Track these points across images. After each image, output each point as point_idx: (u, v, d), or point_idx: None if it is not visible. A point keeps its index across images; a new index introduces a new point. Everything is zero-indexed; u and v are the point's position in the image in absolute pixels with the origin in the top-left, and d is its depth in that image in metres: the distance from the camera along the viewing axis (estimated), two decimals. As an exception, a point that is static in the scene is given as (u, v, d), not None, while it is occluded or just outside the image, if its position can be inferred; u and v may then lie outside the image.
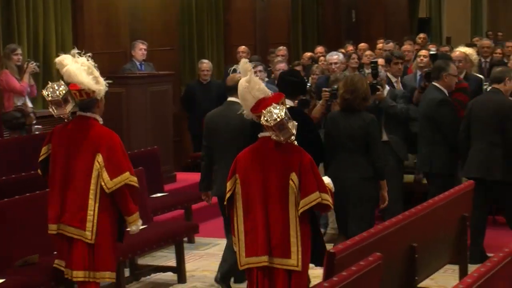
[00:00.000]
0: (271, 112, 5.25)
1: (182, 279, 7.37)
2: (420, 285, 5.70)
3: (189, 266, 7.63)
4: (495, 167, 7.59)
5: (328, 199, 5.35)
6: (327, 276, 4.37)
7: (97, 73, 5.95)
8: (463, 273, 6.28)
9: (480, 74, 10.69)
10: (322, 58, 11.83)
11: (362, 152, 6.89)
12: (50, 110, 6.00)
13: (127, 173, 5.77)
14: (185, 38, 13.71)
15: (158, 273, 7.54)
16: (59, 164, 5.87)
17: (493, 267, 4.15)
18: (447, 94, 8.10)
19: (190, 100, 11.88)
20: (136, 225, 5.89)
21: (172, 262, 7.60)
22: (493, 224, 8.68)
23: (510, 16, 26.44)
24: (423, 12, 22.18)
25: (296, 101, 6.87)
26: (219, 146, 6.86)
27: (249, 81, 5.50)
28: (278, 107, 5.27)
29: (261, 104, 5.39)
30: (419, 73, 10.30)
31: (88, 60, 5.94)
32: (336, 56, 10.38)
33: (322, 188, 5.34)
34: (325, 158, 7.01)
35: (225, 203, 5.61)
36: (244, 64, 5.65)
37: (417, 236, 5.49)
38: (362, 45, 13.63)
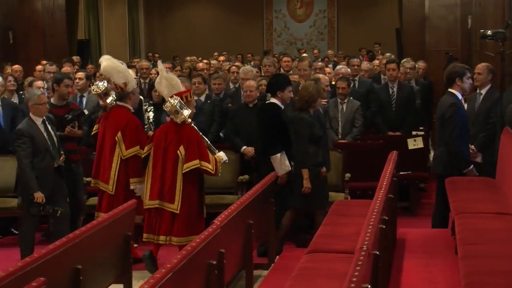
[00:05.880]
0: (169, 101, 7.52)
1: None
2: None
3: None
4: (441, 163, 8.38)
5: (207, 166, 7.50)
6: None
7: (128, 72, 8.21)
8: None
9: (141, 94, 10.93)
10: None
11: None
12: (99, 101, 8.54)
13: (137, 147, 8.00)
14: None
15: None
16: (99, 138, 8.22)
17: (156, 283, 4.28)
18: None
19: None
20: (134, 186, 8.01)
21: None
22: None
23: (166, 39, 27.44)
24: (82, 34, 22.23)
25: (277, 97, 8.59)
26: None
27: (166, 77, 7.72)
28: (174, 98, 7.52)
29: (174, 96, 7.58)
30: (79, 94, 10.35)
31: (121, 63, 8.15)
32: None
33: (204, 158, 7.51)
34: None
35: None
36: (159, 65, 8.14)
37: (81, 258, 5.50)
38: (16, 67, 13.27)
